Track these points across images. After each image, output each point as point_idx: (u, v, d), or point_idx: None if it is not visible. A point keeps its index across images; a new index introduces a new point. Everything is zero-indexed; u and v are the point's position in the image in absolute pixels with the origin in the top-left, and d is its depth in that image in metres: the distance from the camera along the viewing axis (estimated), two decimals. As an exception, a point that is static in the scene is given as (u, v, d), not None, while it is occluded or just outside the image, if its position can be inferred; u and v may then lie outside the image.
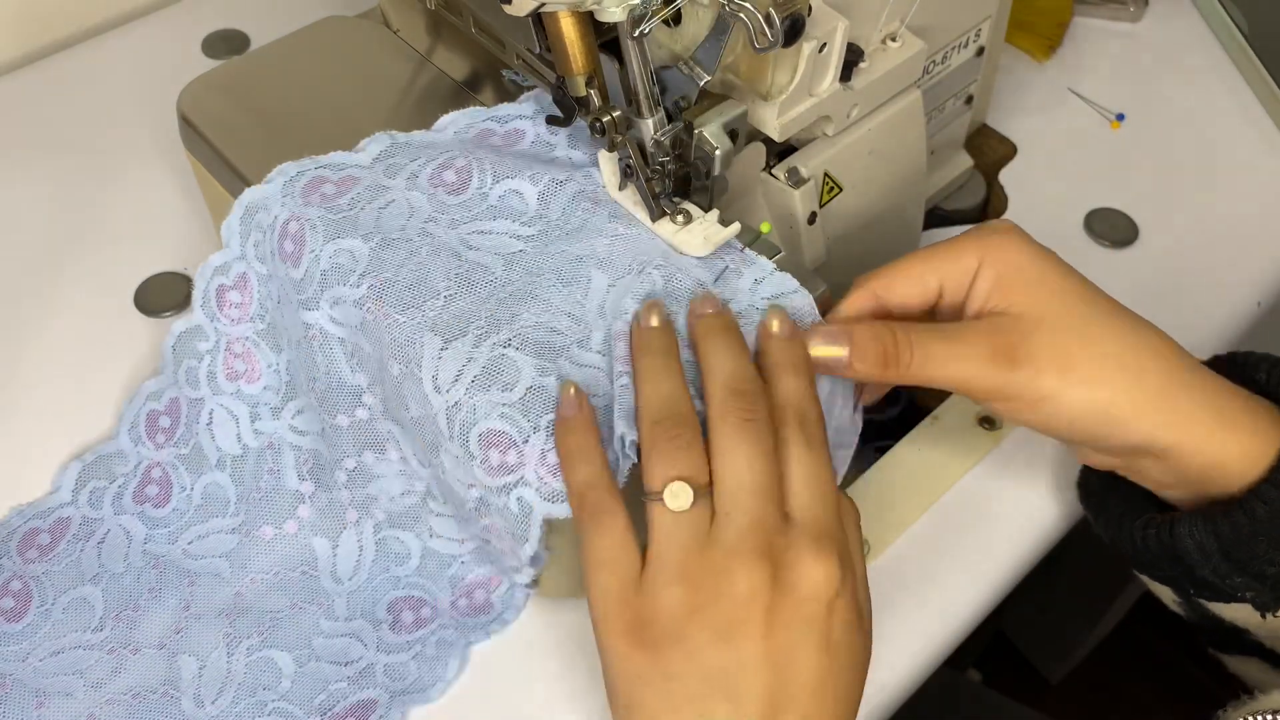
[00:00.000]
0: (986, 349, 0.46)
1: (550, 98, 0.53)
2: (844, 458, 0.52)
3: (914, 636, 0.54)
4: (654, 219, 0.51)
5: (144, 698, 0.51)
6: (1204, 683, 1.16)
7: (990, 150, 0.76)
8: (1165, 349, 0.47)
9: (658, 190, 0.51)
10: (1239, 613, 0.49)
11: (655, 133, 0.49)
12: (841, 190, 0.58)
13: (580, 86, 0.49)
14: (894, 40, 0.57)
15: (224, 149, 0.59)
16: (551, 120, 0.54)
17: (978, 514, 0.58)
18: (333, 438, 0.54)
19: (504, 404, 0.46)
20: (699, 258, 0.50)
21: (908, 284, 0.49)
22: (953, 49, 0.64)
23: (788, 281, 0.50)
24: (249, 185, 0.53)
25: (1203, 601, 0.50)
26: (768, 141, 0.55)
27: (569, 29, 0.47)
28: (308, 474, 0.56)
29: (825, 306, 0.50)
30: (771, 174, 0.56)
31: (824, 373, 0.47)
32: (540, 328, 0.48)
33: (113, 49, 0.80)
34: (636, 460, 0.44)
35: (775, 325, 0.47)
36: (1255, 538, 0.46)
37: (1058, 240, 0.50)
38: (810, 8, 0.48)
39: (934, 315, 0.50)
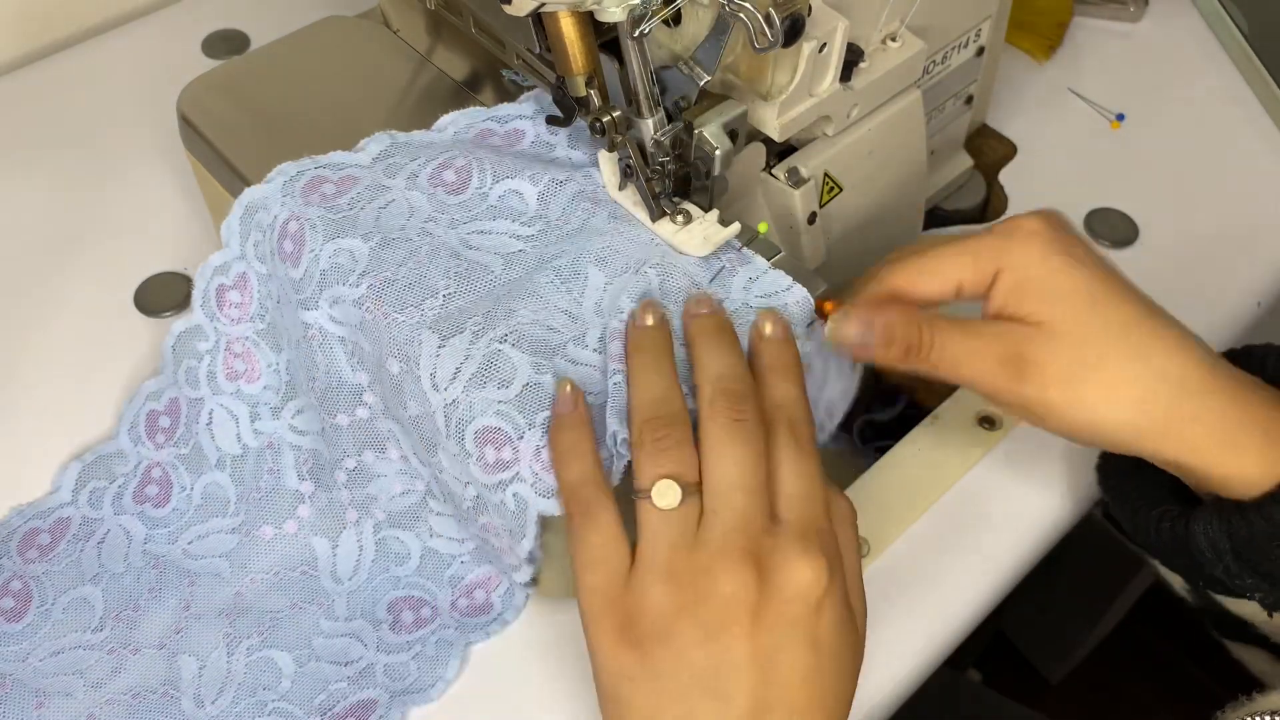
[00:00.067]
0: (997, 355, 0.47)
1: (550, 98, 0.53)
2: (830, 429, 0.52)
3: (914, 636, 0.54)
4: (654, 219, 0.51)
5: (144, 698, 0.51)
6: (1204, 683, 1.16)
7: (990, 150, 0.76)
8: (1179, 370, 0.46)
9: (658, 190, 0.51)
10: (1246, 608, 0.49)
11: (655, 133, 0.49)
12: (841, 190, 0.58)
13: (580, 86, 0.49)
14: (894, 40, 0.57)
15: (224, 149, 0.59)
16: (551, 120, 0.54)
17: (978, 514, 0.58)
18: (333, 437, 0.54)
19: (500, 401, 0.46)
20: (698, 257, 0.50)
21: (930, 281, 0.49)
22: (953, 49, 0.64)
23: (781, 279, 0.50)
24: (249, 185, 0.53)
25: (1211, 593, 0.50)
26: (768, 141, 0.55)
27: (569, 29, 0.47)
28: (307, 474, 0.56)
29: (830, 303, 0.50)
30: (771, 174, 0.56)
31: (849, 355, 0.48)
32: (537, 325, 0.48)
33: (113, 49, 0.80)
34: (630, 458, 0.44)
35: (768, 328, 0.47)
36: (1270, 540, 0.46)
37: (1058, 240, 0.50)
38: (810, 8, 0.48)
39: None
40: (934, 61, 0.63)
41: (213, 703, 0.51)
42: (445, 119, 0.56)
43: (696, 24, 0.49)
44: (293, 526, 0.56)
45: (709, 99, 0.51)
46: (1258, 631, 0.50)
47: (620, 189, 0.53)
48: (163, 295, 0.66)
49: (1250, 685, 0.50)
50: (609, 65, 0.50)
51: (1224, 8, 0.82)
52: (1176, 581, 0.52)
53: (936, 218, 0.72)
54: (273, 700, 0.51)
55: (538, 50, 0.51)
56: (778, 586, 0.41)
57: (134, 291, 0.66)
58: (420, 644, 0.53)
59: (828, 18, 0.51)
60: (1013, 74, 0.80)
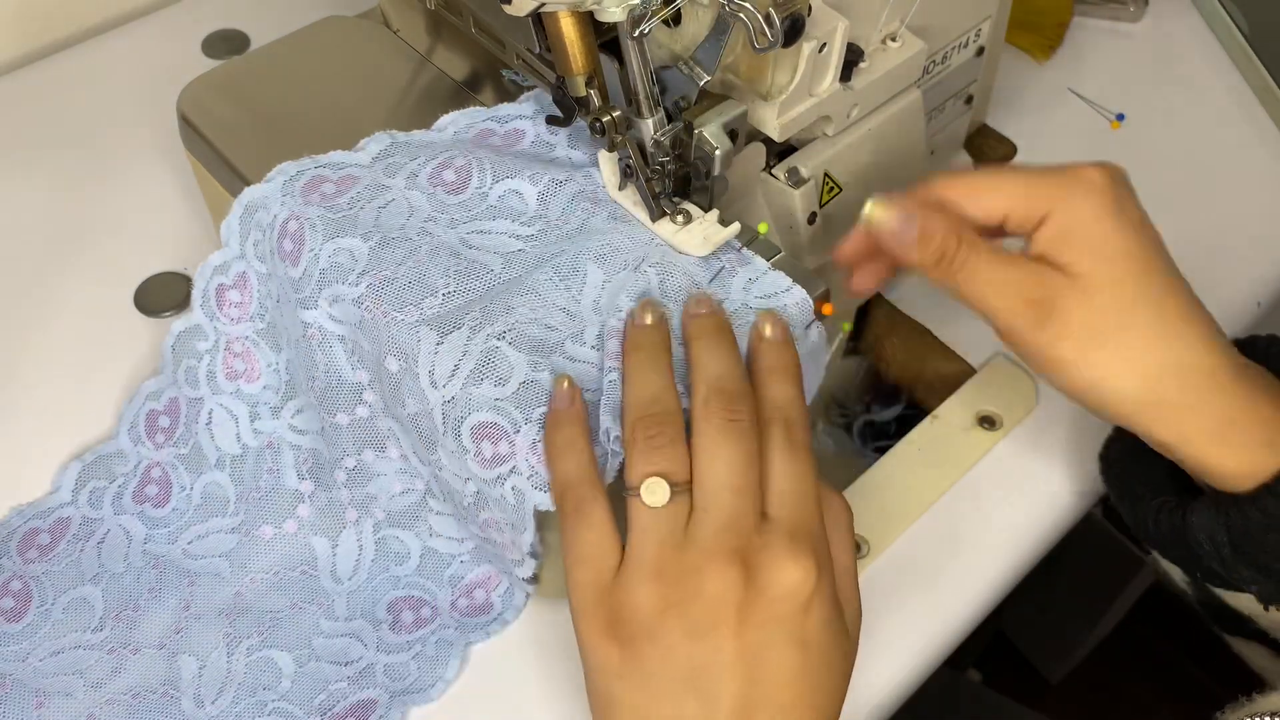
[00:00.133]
0: (1026, 295, 0.46)
1: (550, 98, 0.53)
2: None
3: (914, 636, 0.54)
4: (654, 219, 0.51)
5: (144, 698, 0.51)
6: (1204, 683, 1.16)
7: (990, 150, 0.76)
8: (1193, 358, 0.46)
9: (658, 190, 0.51)
10: (1243, 601, 0.49)
11: (655, 133, 0.49)
12: (841, 190, 0.58)
13: (580, 86, 0.49)
14: (894, 40, 0.57)
15: (224, 149, 0.59)
16: (551, 120, 0.54)
17: (978, 514, 0.58)
18: (332, 436, 0.54)
19: (497, 398, 0.46)
20: (698, 257, 0.50)
21: (978, 202, 0.48)
22: (953, 49, 0.64)
23: (781, 280, 0.50)
24: (249, 185, 0.53)
25: (1209, 585, 0.50)
26: (768, 141, 0.55)
27: (569, 29, 0.47)
28: (307, 473, 0.56)
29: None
30: (771, 174, 0.56)
31: (884, 243, 0.47)
32: (535, 323, 0.48)
33: (113, 49, 0.80)
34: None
35: (768, 329, 0.47)
36: (1266, 532, 0.46)
37: (1058, 240, 0.50)
38: (810, 8, 0.48)
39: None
40: (934, 61, 0.63)
41: (213, 703, 0.51)
42: (445, 119, 0.56)
43: (696, 24, 0.49)
44: (292, 526, 0.56)
45: (709, 99, 0.51)
46: (1256, 626, 0.50)
47: (620, 189, 0.53)
48: (163, 295, 0.66)
49: (1251, 684, 0.50)
50: (609, 65, 0.50)
51: (1224, 8, 0.82)
52: (1177, 573, 0.52)
53: (936, 218, 0.72)
54: (273, 700, 0.51)
55: (538, 50, 0.51)
56: (765, 586, 0.41)
57: (134, 291, 0.66)
58: (420, 644, 0.53)
59: (828, 18, 0.51)
60: (1013, 74, 0.80)
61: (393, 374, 0.49)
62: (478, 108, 0.57)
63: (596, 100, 0.49)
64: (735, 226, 0.51)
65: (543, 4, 0.46)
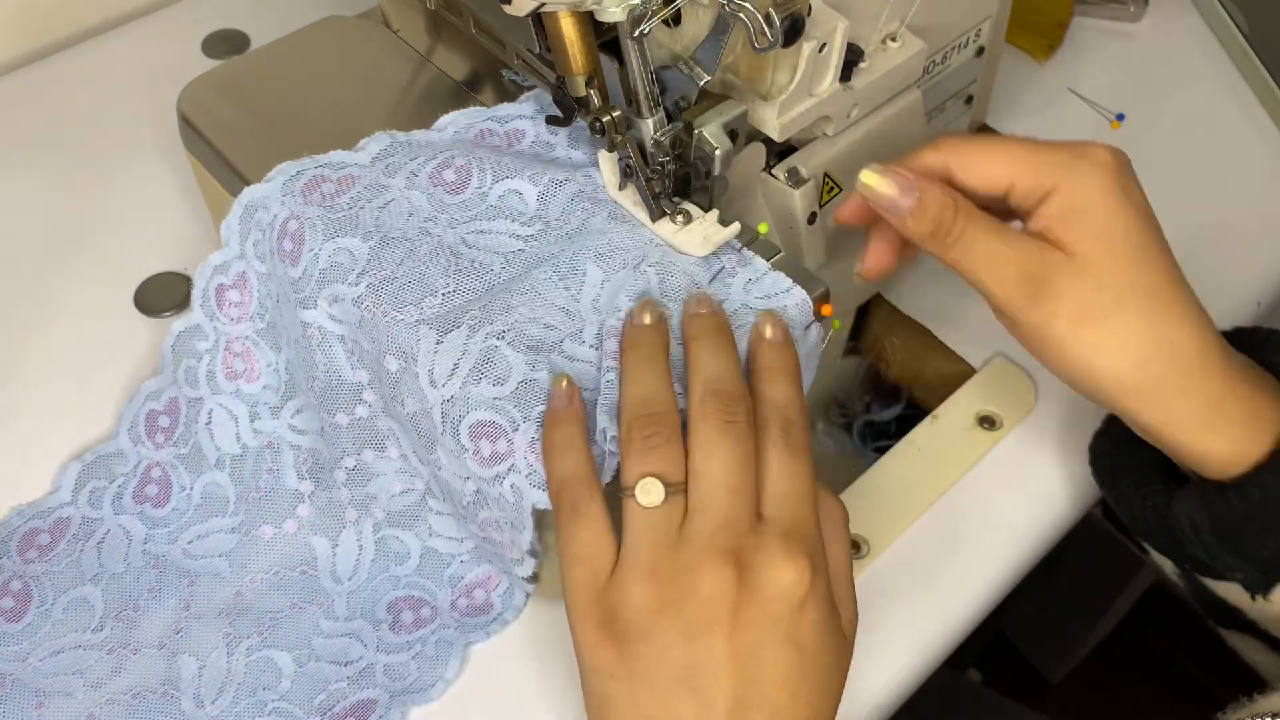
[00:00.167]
0: (1021, 270, 0.46)
1: (550, 98, 0.53)
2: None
3: (914, 636, 0.54)
4: (654, 219, 0.51)
5: (144, 698, 0.51)
6: (1204, 683, 1.16)
7: (990, 150, 0.75)
8: (1186, 342, 0.47)
9: (658, 190, 0.51)
10: (1231, 592, 0.50)
11: (655, 133, 0.49)
12: (841, 190, 0.58)
13: (580, 86, 0.49)
14: (894, 40, 0.57)
15: (224, 149, 0.59)
16: (551, 120, 0.54)
17: (978, 514, 0.58)
18: (332, 436, 0.54)
19: (495, 397, 0.46)
20: (698, 257, 0.50)
21: (979, 172, 0.48)
22: (953, 49, 0.64)
23: (781, 281, 0.50)
24: (249, 185, 0.53)
25: (1198, 576, 0.51)
26: (768, 141, 0.55)
27: (569, 29, 0.47)
28: (307, 473, 0.56)
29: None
30: (771, 174, 0.56)
31: (881, 212, 0.47)
32: (534, 323, 0.48)
33: (113, 49, 0.80)
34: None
35: (768, 330, 0.47)
36: (1247, 520, 0.46)
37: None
38: (810, 8, 0.48)
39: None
40: (934, 61, 0.63)
41: (213, 703, 0.51)
42: (445, 119, 0.56)
43: (696, 24, 0.49)
44: (292, 526, 0.56)
45: (709, 99, 0.51)
46: (1246, 617, 0.50)
47: (620, 189, 0.53)
48: (163, 295, 0.66)
49: (1250, 682, 0.50)
50: (609, 65, 0.50)
51: (1224, 8, 0.82)
52: (1168, 566, 0.52)
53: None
54: (273, 700, 0.51)
55: (538, 50, 0.51)
56: (759, 586, 0.41)
57: (134, 291, 0.66)
58: (420, 644, 0.53)
59: (828, 18, 0.51)
60: (1013, 74, 0.80)
61: (392, 373, 0.49)
62: (478, 108, 0.57)
63: (596, 100, 0.49)
64: (735, 226, 0.51)
65: (543, 4, 0.46)
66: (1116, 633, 1.19)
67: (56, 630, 0.53)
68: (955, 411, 0.61)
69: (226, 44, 0.80)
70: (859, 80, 0.55)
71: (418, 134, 0.56)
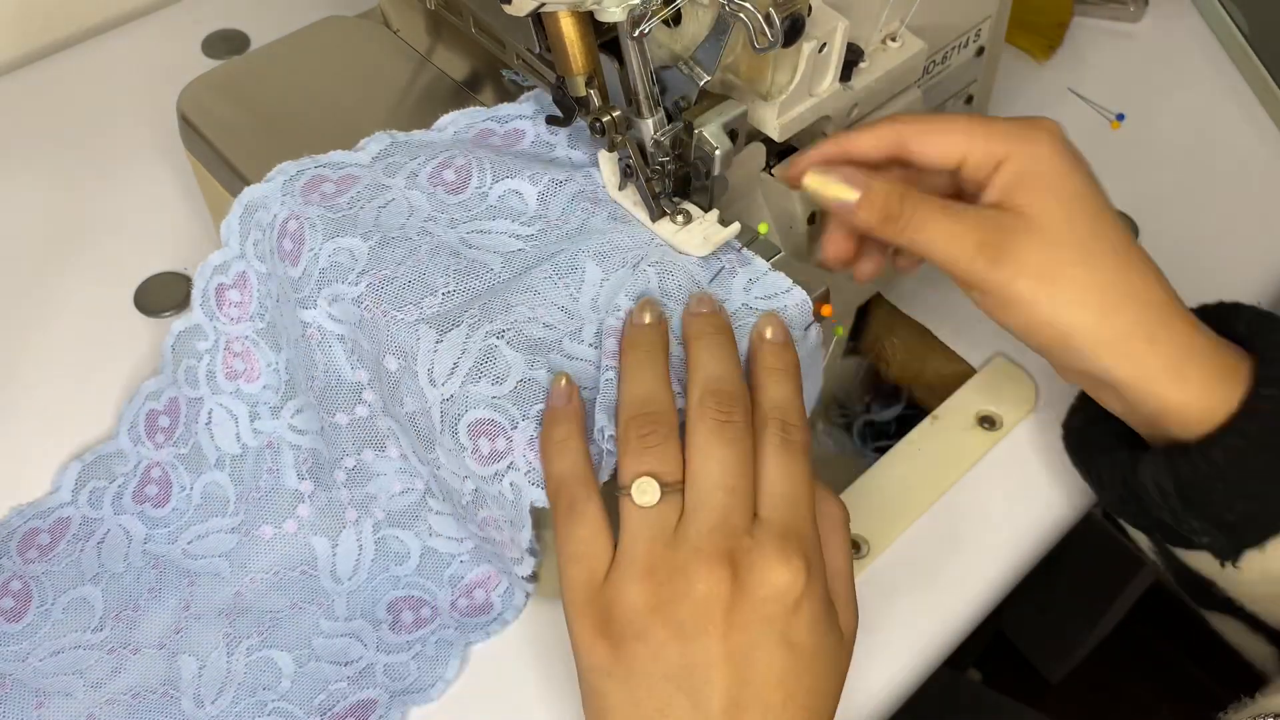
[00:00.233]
0: (977, 238, 0.47)
1: (550, 98, 0.53)
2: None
3: (914, 636, 0.54)
4: (654, 219, 0.51)
5: (144, 698, 0.51)
6: (1204, 683, 1.16)
7: (990, 150, 0.75)
8: (1149, 293, 0.47)
9: (658, 190, 0.51)
10: (1202, 561, 0.50)
11: (655, 133, 0.49)
12: (841, 190, 0.58)
13: (580, 86, 0.49)
14: (894, 40, 0.57)
15: (224, 149, 0.59)
16: (551, 120, 0.54)
17: (978, 514, 0.58)
18: (332, 436, 0.54)
19: (494, 396, 0.46)
20: (698, 258, 0.50)
21: (933, 144, 0.49)
22: (953, 49, 0.64)
23: (781, 281, 0.50)
24: (248, 184, 0.53)
25: (1170, 547, 0.51)
26: (768, 141, 0.55)
27: (569, 29, 0.47)
28: (307, 473, 0.56)
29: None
30: (771, 174, 0.56)
31: (833, 212, 0.49)
32: (534, 322, 0.48)
33: (113, 49, 0.80)
34: None
35: (769, 331, 0.47)
36: (1212, 482, 0.46)
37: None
38: (810, 8, 0.48)
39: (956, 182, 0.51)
40: (934, 61, 0.63)
41: (213, 703, 0.51)
42: (445, 119, 0.56)
43: (696, 24, 0.49)
44: (292, 526, 0.56)
45: (709, 99, 0.51)
46: (1222, 593, 0.51)
47: (620, 189, 0.53)
48: (163, 295, 0.66)
49: (1250, 681, 0.50)
50: (609, 65, 0.50)
51: (1224, 8, 0.82)
52: (1144, 543, 0.53)
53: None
54: (273, 700, 0.51)
55: (538, 50, 0.51)
56: (753, 586, 0.41)
57: (134, 291, 0.66)
58: (420, 644, 0.53)
59: (828, 18, 0.51)
60: (1013, 74, 0.80)
61: (392, 373, 0.49)
62: (478, 108, 0.57)
63: (596, 100, 0.49)
64: (735, 226, 0.51)
65: (543, 4, 0.46)
66: (1116, 633, 1.19)
67: (56, 630, 0.53)
68: (955, 411, 0.61)
69: (226, 44, 0.80)
70: (859, 80, 0.55)
71: (418, 134, 0.56)
